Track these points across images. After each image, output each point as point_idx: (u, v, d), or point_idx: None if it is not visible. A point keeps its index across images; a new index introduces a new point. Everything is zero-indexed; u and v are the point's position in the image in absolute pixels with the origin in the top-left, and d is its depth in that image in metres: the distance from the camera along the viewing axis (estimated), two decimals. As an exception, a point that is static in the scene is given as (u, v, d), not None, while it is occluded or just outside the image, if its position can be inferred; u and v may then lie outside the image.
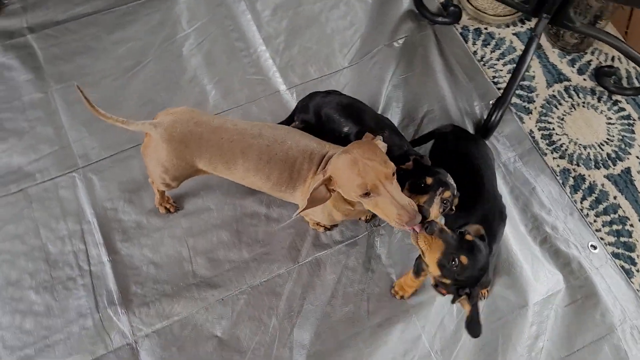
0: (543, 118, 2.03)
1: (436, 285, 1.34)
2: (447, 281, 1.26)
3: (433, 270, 1.25)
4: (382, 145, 1.31)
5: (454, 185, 1.38)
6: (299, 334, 1.67)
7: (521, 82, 2.09)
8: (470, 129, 1.97)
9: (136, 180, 1.85)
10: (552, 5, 1.80)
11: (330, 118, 1.63)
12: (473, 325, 1.26)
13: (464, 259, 1.20)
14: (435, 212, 1.32)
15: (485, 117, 1.96)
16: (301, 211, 1.29)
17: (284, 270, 1.75)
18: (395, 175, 1.23)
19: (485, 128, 1.89)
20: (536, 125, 2.02)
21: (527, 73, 2.11)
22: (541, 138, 1.99)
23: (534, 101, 2.06)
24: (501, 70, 2.11)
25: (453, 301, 1.29)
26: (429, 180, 1.33)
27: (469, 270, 1.21)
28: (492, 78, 2.10)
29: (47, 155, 1.88)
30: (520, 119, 2.03)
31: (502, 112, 1.83)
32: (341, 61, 2.11)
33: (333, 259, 1.77)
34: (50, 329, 1.65)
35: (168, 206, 1.80)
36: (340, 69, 2.09)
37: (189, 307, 1.69)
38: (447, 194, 1.32)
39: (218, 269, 1.75)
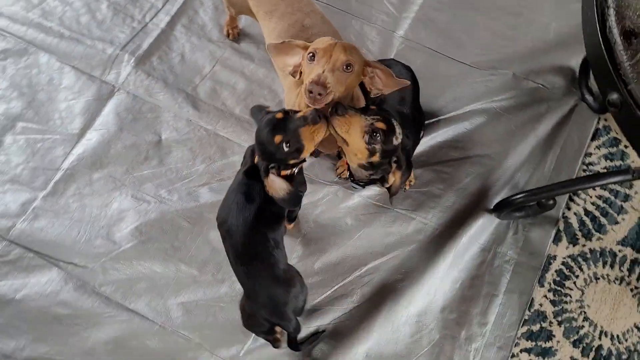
0: (580, 260, 1.67)
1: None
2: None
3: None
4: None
5: (397, 136, 1.20)
6: (206, 195, 1.75)
7: (598, 216, 1.71)
8: (499, 197, 1.71)
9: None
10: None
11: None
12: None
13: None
14: (355, 122, 1.18)
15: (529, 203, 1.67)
16: (269, 45, 1.27)
17: (245, 145, 1.80)
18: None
19: (502, 203, 1.63)
20: (564, 259, 1.67)
21: (616, 214, 1.72)
22: (555, 272, 1.65)
23: (591, 239, 1.69)
24: (593, 189, 1.75)
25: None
26: (373, 107, 1.22)
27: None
28: (576, 186, 1.76)
29: None
30: (558, 239, 1.69)
31: (529, 199, 1.55)
32: (467, 55, 1.93)
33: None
34: (89, 32, 1.97)
35: (231, 31, 1.94)
36: (457, 60, 1.92)
37: (167, 103, 1.86)
38: (380, 124, 1.16)
39: (210, 102, 1.86)
